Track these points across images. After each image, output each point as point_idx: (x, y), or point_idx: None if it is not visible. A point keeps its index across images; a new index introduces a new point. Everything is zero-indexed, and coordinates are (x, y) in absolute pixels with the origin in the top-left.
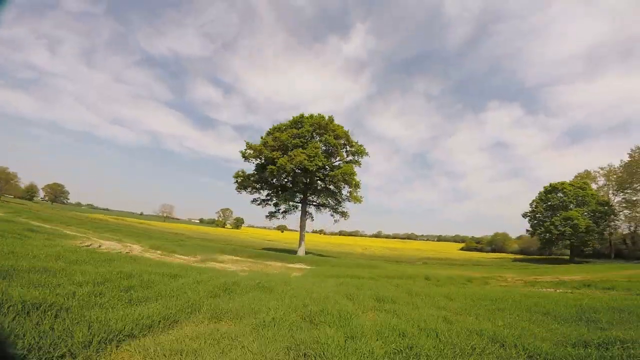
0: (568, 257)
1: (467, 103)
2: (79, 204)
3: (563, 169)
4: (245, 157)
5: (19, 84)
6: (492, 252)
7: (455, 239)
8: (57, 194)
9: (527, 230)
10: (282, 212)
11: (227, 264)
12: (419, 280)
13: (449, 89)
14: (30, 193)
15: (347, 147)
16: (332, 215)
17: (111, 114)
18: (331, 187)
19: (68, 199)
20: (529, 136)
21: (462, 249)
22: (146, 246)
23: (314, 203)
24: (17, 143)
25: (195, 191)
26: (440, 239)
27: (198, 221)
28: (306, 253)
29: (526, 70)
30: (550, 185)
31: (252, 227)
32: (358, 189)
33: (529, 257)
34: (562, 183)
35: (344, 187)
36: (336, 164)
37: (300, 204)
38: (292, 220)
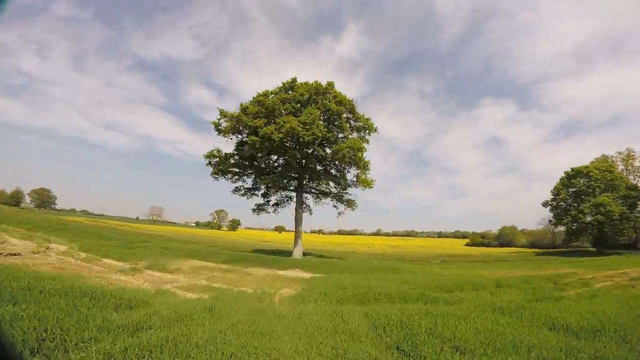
0: (594, 249)
1: (460, 101)
2: (73, 210)
3: (556, 164)
4: (220, 130)
5: (9, 91)
6: (500, 246)
7: (456, 235)
8: (43, 199)
9: (550, 221)
10: (273, 205)
11: (179, 274)
12: (498, 291)
13: (442, 87)
14: (15, 199)
15: (352, 121)
16: (334, 207)
17: (105, 119)
18: (333, 171)
19: (55, 204)
20: (523, 132)
21: (467, 244)
22: (75, 247)
23: (313, 190)
24: (9, 150)
25: (192, 194)
26: (440, 235)
27: (194, 224)
28: (304, 254)
29: (518, 68)
30: (572, 169)
31: (250, 229)
32: (367, 171)
33: (550, 250)
34: (586, 167)
35: (350, 169)
36: (340, 138)
37: (295, 193)
38: (290, 219)
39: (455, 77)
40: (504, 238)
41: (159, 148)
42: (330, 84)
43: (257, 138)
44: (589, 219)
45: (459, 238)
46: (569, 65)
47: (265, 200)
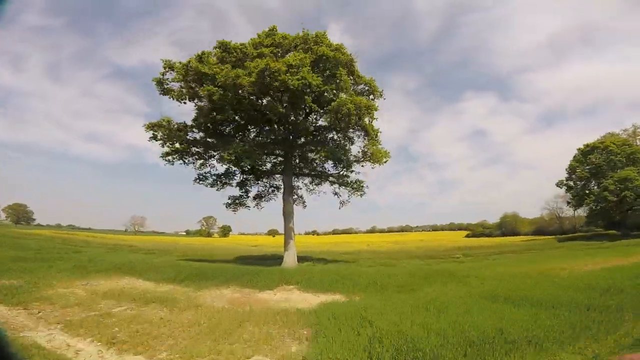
0: (615, 231)
1: (443, 95)
2: (58, 225)
3: (538, 154)
4: (166, 90)
5: None
6: (503, 235)
7: (452, 227)
8: (19, 214)
9: (568, 202)
10: (254, 198)
11: (39, 309)
12: None
13: (425, 83)
14: None
15: (351, 83)
16: (335, 194)
17: (86, 130)
18: (330, 143)
19: (34, 219)
20: (505, 123)
21: (467, 235)
22: None
23: (305, 171)
24: None
25: (184, 203)
26: (435, 228)
27: (184, 233)
28: (299, 260)
29: (496, 60)
30: (587, 145)
31: (243, 234)
32: (377, 143)
33: (567, 236)
34: (602, 142)
35: (350, 145)
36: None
37: (281, 176)
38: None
39: (436, 73)
40: (507, 227)
41: (145, 158)
42: (322, 34)
43: (215, 88)
44: (614, 198)
45: (455, 230)
46: (544, 56)
47: (243, 190)
